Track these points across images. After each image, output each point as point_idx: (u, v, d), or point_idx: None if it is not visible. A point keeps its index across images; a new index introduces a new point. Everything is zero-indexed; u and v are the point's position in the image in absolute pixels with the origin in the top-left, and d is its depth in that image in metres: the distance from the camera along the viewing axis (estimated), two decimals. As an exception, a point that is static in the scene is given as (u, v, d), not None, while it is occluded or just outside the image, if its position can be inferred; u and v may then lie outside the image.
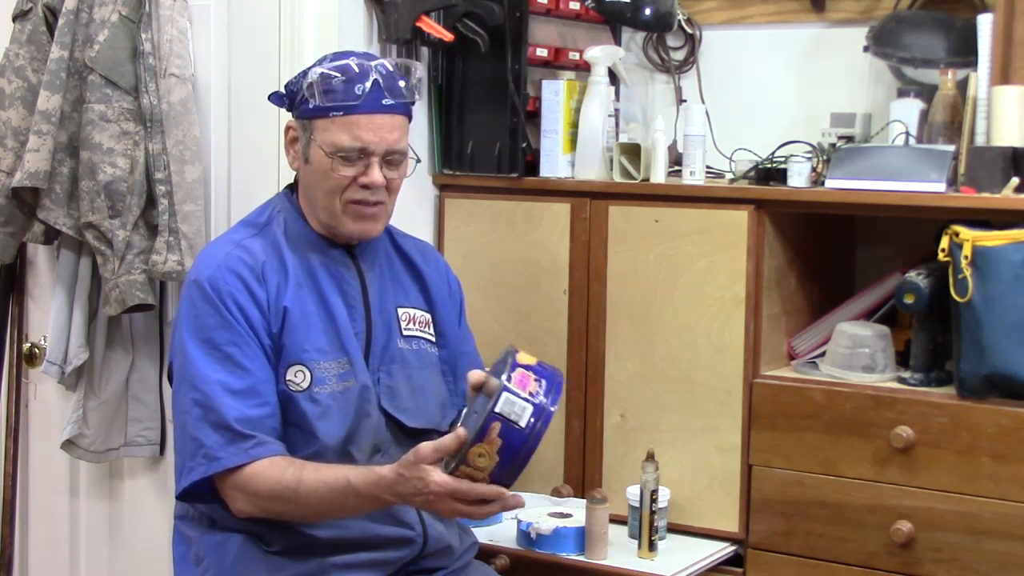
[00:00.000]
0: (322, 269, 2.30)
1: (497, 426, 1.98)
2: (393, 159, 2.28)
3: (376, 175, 2.25)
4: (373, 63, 2.27)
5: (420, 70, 2.37)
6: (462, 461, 2.01)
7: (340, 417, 2.24)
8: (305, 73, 2.28)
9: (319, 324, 2.26)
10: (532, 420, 2.00)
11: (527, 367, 2.07)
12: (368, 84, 2.24)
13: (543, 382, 2.05)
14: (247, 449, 2.15)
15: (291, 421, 2.23)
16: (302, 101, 2.27)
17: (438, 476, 2.03)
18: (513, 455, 2.00)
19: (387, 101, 2.26)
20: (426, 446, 2.06)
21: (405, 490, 2.07)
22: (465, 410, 2.20)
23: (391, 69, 2.29)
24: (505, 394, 2.00)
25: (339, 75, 2.24)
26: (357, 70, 2.25)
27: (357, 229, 2.29)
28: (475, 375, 2.17)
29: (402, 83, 2.29)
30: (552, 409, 2.03)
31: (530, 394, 2.01)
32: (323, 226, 2.32)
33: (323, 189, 2.27)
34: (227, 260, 2.24)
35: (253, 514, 2.19)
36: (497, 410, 1.99)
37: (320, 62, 2.29)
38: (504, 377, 2.02)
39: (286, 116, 2.39)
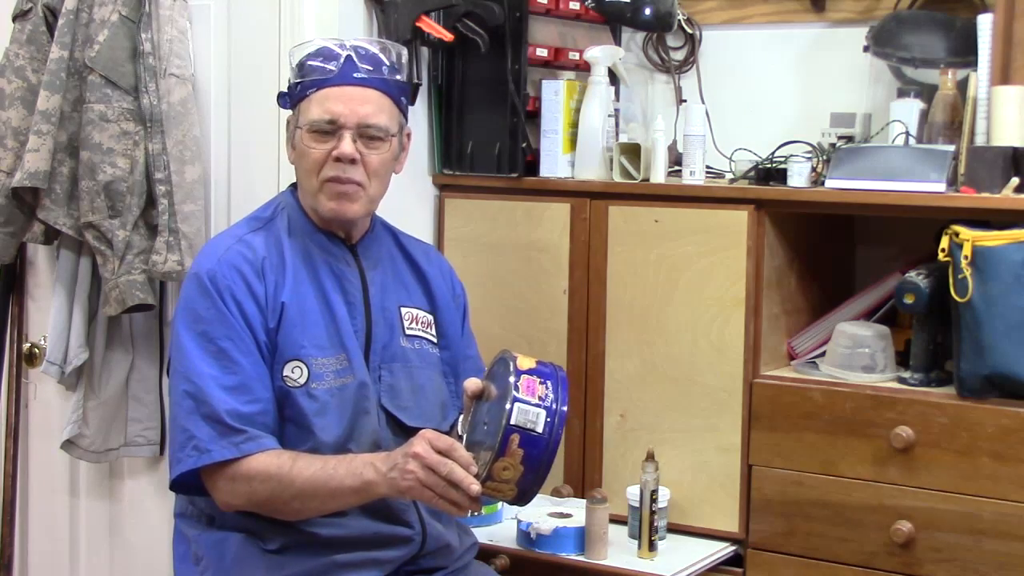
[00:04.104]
0: (324, 266, 2.30)
1: (516, 438, 2.00)
2: (369, 134, 2.26)
3: (346, 146, 2.24)
4: (351, 43, 2.29)
5: (403, 53, 2.35)
6: (488, 478, 2.02)
7: (338, 414, 2.24)
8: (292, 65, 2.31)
9: (318, 320, 2.26)
10: (548, 424, 2.02)
11: (530, 371, 2.08)
12: (341, 59, 2.26)
13: (549, 383, 2.07)
14: (238, 443, 2.15)
15: (288, 417, 2.23)
16: (291, 90, 2.31)
17: (425, 444, 2.05)
18: (537, 462, 2.02)
19: (359, 74, 2.26)
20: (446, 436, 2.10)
21: (394, 455, 2.10)
22: (462, 417, 2.20)
23: (371, 49, 2.29)
24: (517, 404, 2.01)
25: (317, 56, 2.27)
26: (332, 50, 2.27)
27: (332, 209, 2.27)
28: (473, 383, 2.17)
29: (383, 67, 2.28)
30: (564, 409, 2.05)
31: (540, 398, 2.03)
32: (316, 215, 2.32)
33: (303, 169, 2.28)
34: (227, 255, 2.24)
35: (239, 506, 2.19)
36: (513, 422, 2.00)
37: (298, 48, 2.33)
38: (512, 387, 2.02)
39: (286, 115, 2.39)
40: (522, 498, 2.06)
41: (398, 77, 2.32)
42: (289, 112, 2.35)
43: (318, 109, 2.25)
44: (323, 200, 2.27)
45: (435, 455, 2.05)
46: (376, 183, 2.30)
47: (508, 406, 2.01)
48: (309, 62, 2.27)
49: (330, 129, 2.24)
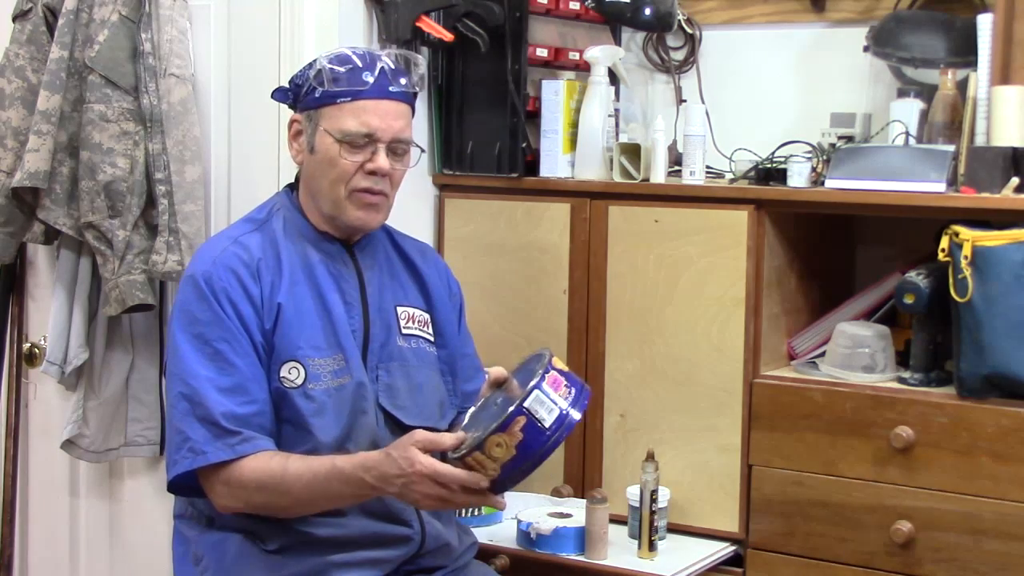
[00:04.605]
0: (320, 266, 2.30)
1: (522, 420, 2.00)
2: (397, 148, 2.29)
3: (383, 161, 2.26)
4: (379, 53, 2.31)
5: (422, 64, 2.38)
6: (478, 448, 2.02)
7: (335, 414, 2.24)
8: (311, 65, 2.30)
9: (315, 321, 2.26)
10: (556, 424, 2.02)
11: (560, 371, 2.09)
12: (376, 71, 2.26)
13: (573, 389, 2.08)
14: (233, 445, 2.15)
15: (286, 418, 2.23)
16: (308, 92, 2.28)
17: (424, 458, 2.05)
18: (529, 453, 2.01)
19: (394, 88, 2.28)
20: (423, 431, 2.09)
21: (389, 470, 2.08)
22: (472, 409, 2.20)
23: (395, 61, 2.31)
24: (536, 392, 2.02)
25: (347, 63, 2.27)
26: (364, 59, 2.28)
27: (360, 218, 2.29)
28: (498, 371, 2.19)
29: (403, 79, 2.30)
30: (577, 417, 2.05)
31: (560, 397, 2.03)
32: (324, 219, 2.32)
33: (328, 177, 2.28)
34: (223, 256, 2.24)
35: (237, 509, 2.20)
36: (526, 405, 2.00)
37: (324, 53, 2.31)
38: (538, 376, 2.03)
39: (286, 115, 2.39)
40: (499, 485, 2.05)
41: (417, 89, 2.35)
42: (294, 112, 2.34)
43: (354, 121, 2.25)
44: (350, 210, 2.28)
45: (436, 487, 2.06)
46: (394, 192, 2.34)
47: (528, 389, 2.01)
48: (336, 67, 2.26)
49: (364, 142, 2.26)
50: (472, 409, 2.21)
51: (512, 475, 2.03)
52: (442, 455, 2.07)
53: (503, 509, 2.19)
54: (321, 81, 2.26)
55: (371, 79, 2.26)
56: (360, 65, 2.26)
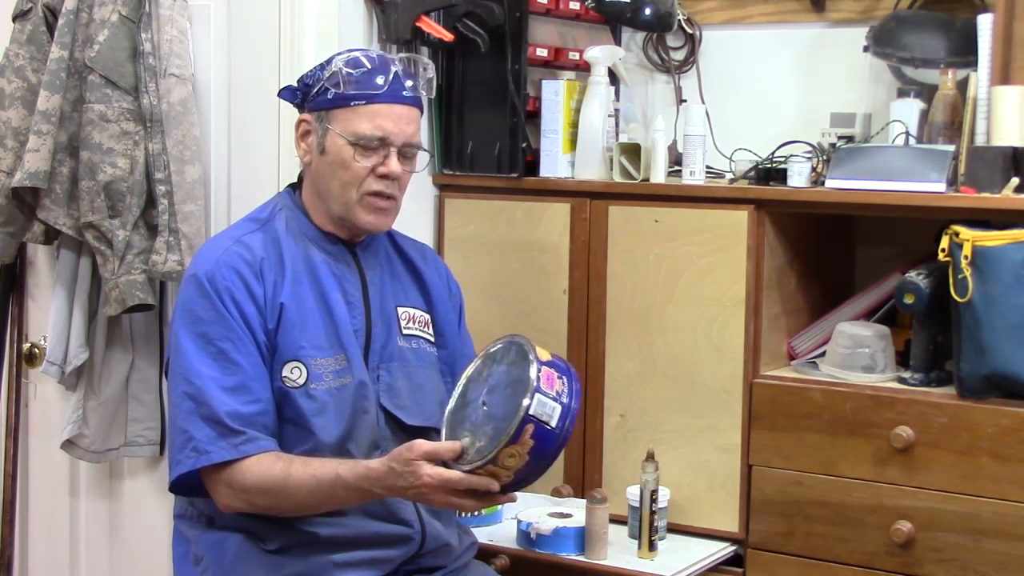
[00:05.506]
0: (323, 266, 2.31)
1: (531, 428, 2.00)
2: (408, 152, 2.31)
3: (395, 165, 2.27)
4: (391, 57, 2.32)
5: (431, 68, 2.38)
6: (491, 461, 2.02)
7: (336, 413, 2.24)
8: (323, 66, 2.30)
9: (317, 321, 2.27)
10: (561, 421, 2.03)
11: (548, 363, 2.09)
12: (389, 75, 2.27)
13: (565, 379, 2.08)
14: (237, 445, 2.16)
15: (287, 418, 2.23)
16: (320, 92, 2.28)
17: (429, 468, 2.05)
18: (543, 455, 2.02)
19: (407, 92, 2.29)
20: (422, 443, 2.08)
21: (396, 483, 2.09)
22: (450, 407, 2.18)
23: (406, 64, 2.32)
24: (538, 395, 2.02)
25: (360, 66, 2.27)
26: (377, 62, 2.28)
27: (370, 221, 2.30)
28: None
29: (414, 83, 2.31)
30: (578, 407, 2.06)
31: (557, 393, 2.04)
32: (331, 220, 2.32)
33: (340, 180, 2.28)
34: (225, 256, 2.24)
35: (240, 509, 2.20)
36: (532, 412, 2.00)
37: (338, 55, 2.31)
38: (534, 377, 2.03)
39: (287, 115, 2.39)
40: (514, 487, 2.06)
41: (427, 93, 2.36)
42: (301, 112, 2.34)
43: (368, 124, 2.25)
44: (361, 213, 2.29)
45: (446, 495, 2.07)
46: (402, 195, 2.34)
47: (529, 396, 2.01)
48: (351, 70, 2.26)
49: (377, 146, 2.26)
50: (449, 407, 2.19)
51: (528, 478, 2.05)
52: (443, 463, 2.07)
53: (514, 502, 2.19)
54: (336, 83, 2.26)
55: (386, 81, 2.26)
56: (375, 68, 2.27)
